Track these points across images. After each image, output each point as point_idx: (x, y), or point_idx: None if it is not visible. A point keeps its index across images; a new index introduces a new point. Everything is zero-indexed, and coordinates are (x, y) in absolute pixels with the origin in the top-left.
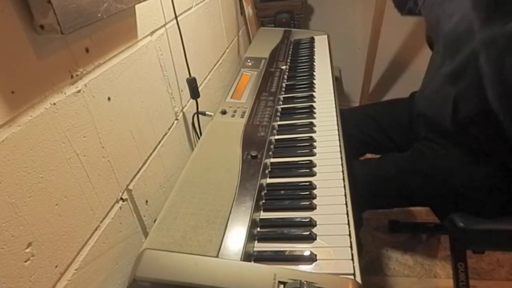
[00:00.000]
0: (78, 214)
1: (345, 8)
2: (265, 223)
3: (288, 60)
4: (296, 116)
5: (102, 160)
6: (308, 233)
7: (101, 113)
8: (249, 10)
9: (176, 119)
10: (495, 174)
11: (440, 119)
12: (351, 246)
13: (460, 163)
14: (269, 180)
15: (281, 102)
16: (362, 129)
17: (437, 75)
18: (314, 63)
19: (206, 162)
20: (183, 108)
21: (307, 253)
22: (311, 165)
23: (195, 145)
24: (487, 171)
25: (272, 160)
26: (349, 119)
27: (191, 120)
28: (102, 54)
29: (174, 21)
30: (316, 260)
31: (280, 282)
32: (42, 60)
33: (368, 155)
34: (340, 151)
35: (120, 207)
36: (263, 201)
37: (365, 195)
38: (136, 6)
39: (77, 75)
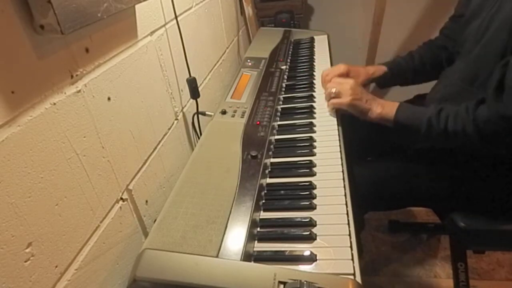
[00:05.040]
0: (78, 214)
1: (345, 8)
2: (265, 223)
3: (288, 60)
4: (296, 116)
5: (102, 160)
6: (308, 233)
7: (101, 113)
8: (249, 10)
9: (176, 119)
10: (497, 174)
11: None
12: (351, 246)
13: (462, 163)
14: (269, 180)
15: (281, 102)
16: (362, 131)
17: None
18: (314, 63)
19: (206, 162)
20: (183, 108)
21: (307, 253)
22: (311, 165)
23: (195, 145)
24: (489, 171)
25: (272, 160)
26: (349, 122)
27: (191, 120)
28: (102, 54)
29: (174, 21)
30: (316, 260)
31: (280, 282)
32: (42, 60)
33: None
34: (340, 151)
35: (120, 207)
36: (263, 201)
37: (366, 197)
38: (136, 6)
39: (77, 75)
